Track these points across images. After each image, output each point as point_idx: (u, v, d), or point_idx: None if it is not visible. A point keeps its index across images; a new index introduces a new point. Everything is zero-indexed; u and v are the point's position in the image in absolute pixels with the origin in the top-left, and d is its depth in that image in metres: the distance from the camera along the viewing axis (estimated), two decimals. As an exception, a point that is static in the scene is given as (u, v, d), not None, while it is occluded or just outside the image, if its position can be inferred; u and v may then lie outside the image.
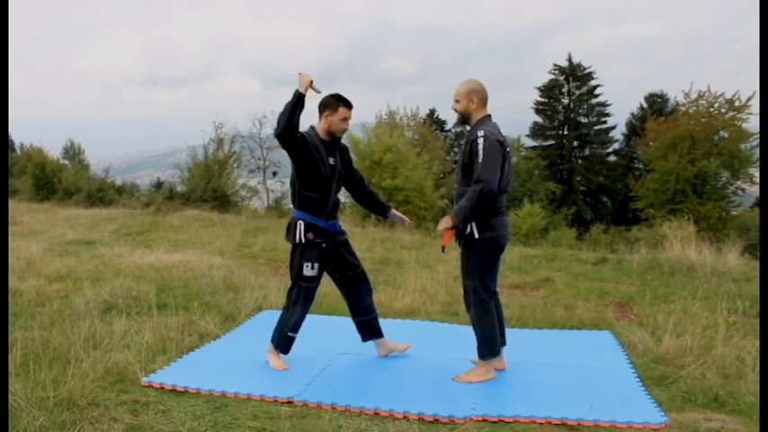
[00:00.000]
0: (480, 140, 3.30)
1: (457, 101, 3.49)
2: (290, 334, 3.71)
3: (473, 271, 3.48)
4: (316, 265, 3.62)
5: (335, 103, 3.60)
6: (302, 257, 3.62)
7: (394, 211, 3.97)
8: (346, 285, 3.82)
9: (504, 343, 3.70)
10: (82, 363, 3.50)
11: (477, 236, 3.40)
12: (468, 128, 3.56)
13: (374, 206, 3.96)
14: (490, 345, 3.52)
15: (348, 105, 3.62)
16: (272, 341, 3.77)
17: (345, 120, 3.64)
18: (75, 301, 5.03)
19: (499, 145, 3.32)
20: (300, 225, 3.60)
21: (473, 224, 3.39)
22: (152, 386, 3.37)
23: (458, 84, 3.54)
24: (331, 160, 3.65)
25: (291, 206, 3.76)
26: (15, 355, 3.63)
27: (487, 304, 3.50)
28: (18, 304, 5.06)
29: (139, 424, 2.86)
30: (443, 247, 3.54)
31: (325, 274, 3.79)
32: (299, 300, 3.66)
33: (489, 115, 3.49)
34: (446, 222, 3.41)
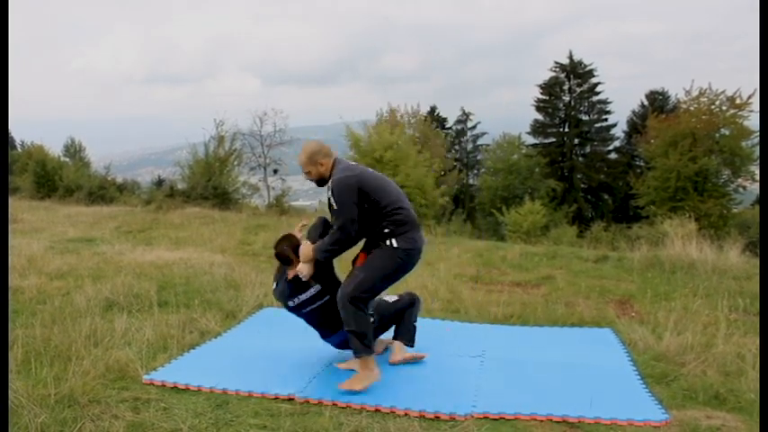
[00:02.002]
0: (330, 190, 3.35)
1: (307, 172, 3.49)
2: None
3: (374, 271, 3.37)
4: None
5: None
6: None
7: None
8: None
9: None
10: (83, 360, 3.50)
11: (395, 245, 3.36)
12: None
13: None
14: (365, 341, 3.37)
15: None
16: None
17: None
18: (76, 298, 5.04)
19: (351, 182, 3.29)
20: None
21: (392, 238, 3.36)
22: (153, 384, 3.37)
23: (299, 155, 3.50)
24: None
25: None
26: (16, 353, 3.64)
27: (364, 306, 3.40)
28: (19, 302, 5.06)
29: (140, 421, 2.86)
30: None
31: None
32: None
33: (335, 159, 3.48)
34: (306, 263, 3.41)
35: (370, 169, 3.55)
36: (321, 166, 3.44)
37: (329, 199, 3.39)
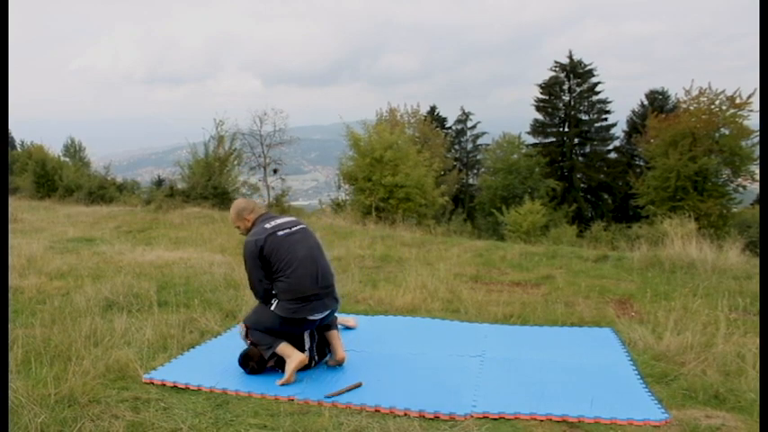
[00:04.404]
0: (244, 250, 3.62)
1: (237, 227, 3.83)
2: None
3: (259, 317, 3.65)
4: None
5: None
6: None
7: None
8: None
9: None
10: (83, 360, 3.50)
11: (273, 308, 3.56)
12: None
13: None
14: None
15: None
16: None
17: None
18: (75, 298, 5.04)
19: (258, 245, 3.52)
20: None
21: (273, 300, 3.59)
22: (153, 383, 3.38)
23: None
24: None
25: None
26: (17, 353, 3.64)
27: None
28: (19, 302, 5.06)
29: (140, 421, 2.86)
30: None
31: None
32: None
33: (259, 216, 3.75)
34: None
35: (282, 232, 3.62)
36: (248, 222, 3.75)
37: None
